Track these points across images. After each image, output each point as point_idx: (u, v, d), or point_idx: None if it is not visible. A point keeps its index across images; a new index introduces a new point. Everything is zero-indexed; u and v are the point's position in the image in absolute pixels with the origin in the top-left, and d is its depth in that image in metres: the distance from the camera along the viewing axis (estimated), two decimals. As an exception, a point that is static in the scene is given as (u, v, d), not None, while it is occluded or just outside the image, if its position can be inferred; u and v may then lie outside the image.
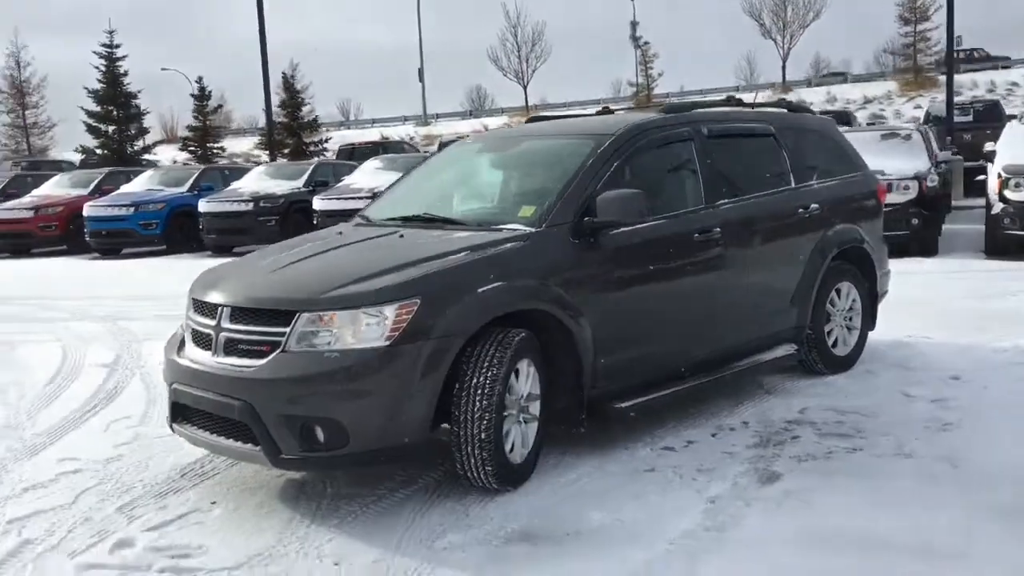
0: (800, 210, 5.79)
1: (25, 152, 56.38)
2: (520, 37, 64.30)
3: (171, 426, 4.47)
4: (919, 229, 12.11)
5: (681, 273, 5.02)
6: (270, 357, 3.96)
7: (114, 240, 17.56)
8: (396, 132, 53.43)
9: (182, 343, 4.51)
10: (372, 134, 50.51)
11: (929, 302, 8.69)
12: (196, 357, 4.29)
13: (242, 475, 4.60)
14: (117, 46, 32.95)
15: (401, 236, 4.72)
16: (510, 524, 3.90)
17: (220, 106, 39.48)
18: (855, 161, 6.51)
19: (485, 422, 4.02)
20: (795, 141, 6.01)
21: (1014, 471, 4.29)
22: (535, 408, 4.44)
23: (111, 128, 33.19)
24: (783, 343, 5.76)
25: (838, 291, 6.14)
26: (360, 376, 3.85)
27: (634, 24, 57.71)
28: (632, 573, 3.42)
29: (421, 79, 55.38)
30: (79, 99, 34.21)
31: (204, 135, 36.57)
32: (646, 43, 56.02)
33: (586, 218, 4.58)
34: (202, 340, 4.32)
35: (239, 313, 4.15)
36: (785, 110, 6.45)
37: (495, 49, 67.48)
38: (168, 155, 43.81)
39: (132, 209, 17.32)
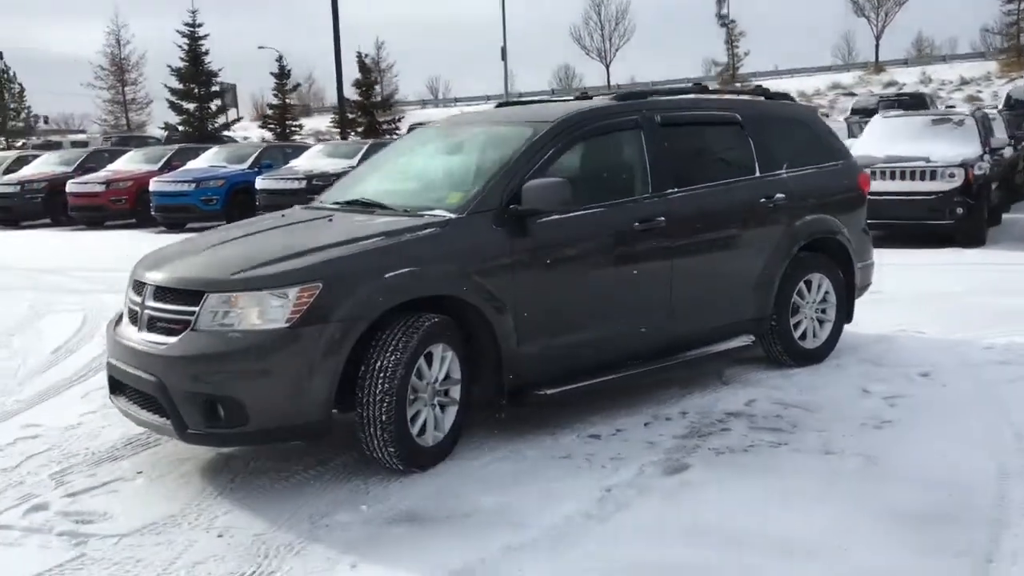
0: (763, 200, 5.70)
1: (124, 127, 58.60)
2: (603, 15, 63.83)
3: (110, 398, 4.70)
4: (963, 219, 11.67)
5: (617, 262, 5.02)
6: (181, 335, 4.13)
7: (177, 215, 18.16)
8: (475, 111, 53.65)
9: (120, 319, 4.73)
10: (453, 113, 50.88)
11: (946, 295, 8.45)
12: (126, 334, 4.49)
13: (179, 447, 4.79)
14: (199, 25, 34.04)
15: (330, 220, 4.84)
16: (401, 504, 4.01)
17: (298, 85, 40.32)
18: (835, 150, 6.36)
19: (386, 405, 4.12)
20: (764, 130, 5.91)
21: (928, 472, 4.19)
22: (455, 392, 4.52)
23: (192, 106, 34.33)
24: (743, 334, 5.71)
25: (808, 283, 6.03)
26: (260, 357, 3.99)
27: (720, 1, 56.51)
28: (486, 558, 3.48)
29: (504, 57, 55.13)
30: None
31: (283, 113, 37.52)
32: (732, 21, 54.87)
33: (512, 206, 4.62)
34: (133, 317, 4.53)
35: (160, 292, 4.34)
36: (761, 97, 6.34)
37: (578, 28, 67.16)
38: (256, 133, 45.04)
39: (193, 185, 17.88)
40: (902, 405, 5.19)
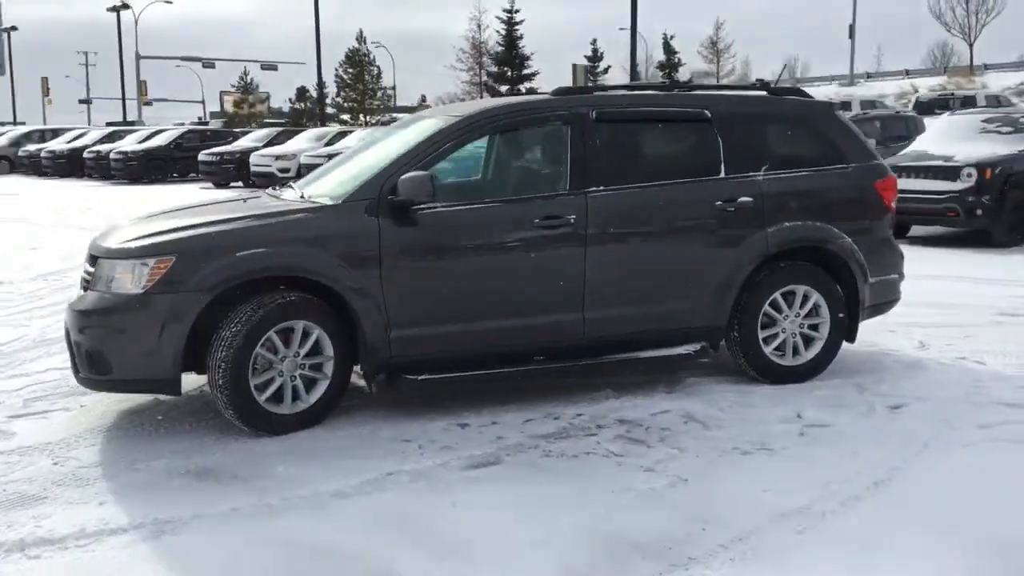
0: (720, 203, 5.36)
1: (478, 106, 62.89)
2: (968, -12, 57.99)
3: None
4: None
5: (508, 258, 5.03)
6: (84, 294, 4.89)
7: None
8: (818, 93, 51.09)
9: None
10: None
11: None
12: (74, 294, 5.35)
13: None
14: (517, 11, 35.81)
15: (244, 201, 5.36)
16: (212, 461, 4.46)
17: (609, 67, 41.06)
18: (845, 152, 5.73)
19: (222, 370, 4.59)
20: (741, 128, 5.51)
21: (708, 504, 3.89)
22: (328, 368, 4.88)
23: (505, 88, 36.30)
24: (691, 341, 5.44)
25: (789, 295, 5.56)
26: (118, 316, 4.63)
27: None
28: (200, 515, 3.83)
29: (851, 35, 52.18)
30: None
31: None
32: None
33: (390, 197, 4.86)
34: (84, 280, 5.37)
35: (88, 257, 5.12)
36: (764, 92, 5.88)
37: (938, 2, 61.54)
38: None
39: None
40: (810, 435, 4.74)
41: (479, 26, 64.45)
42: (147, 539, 3.64)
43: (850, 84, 52.95)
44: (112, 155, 29.91)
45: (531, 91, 37.79)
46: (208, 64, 67.48)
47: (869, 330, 6.72)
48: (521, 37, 35.95)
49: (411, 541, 3.60)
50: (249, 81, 62.05)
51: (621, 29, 61.45)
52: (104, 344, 4.68)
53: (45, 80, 73.87)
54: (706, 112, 5.51)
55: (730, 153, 5.45)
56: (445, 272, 4.97)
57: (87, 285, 4.95)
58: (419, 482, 4.19)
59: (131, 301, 4.61)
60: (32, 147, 35.01)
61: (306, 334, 4.79)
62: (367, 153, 5.65)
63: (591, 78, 38.78)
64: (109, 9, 58.10)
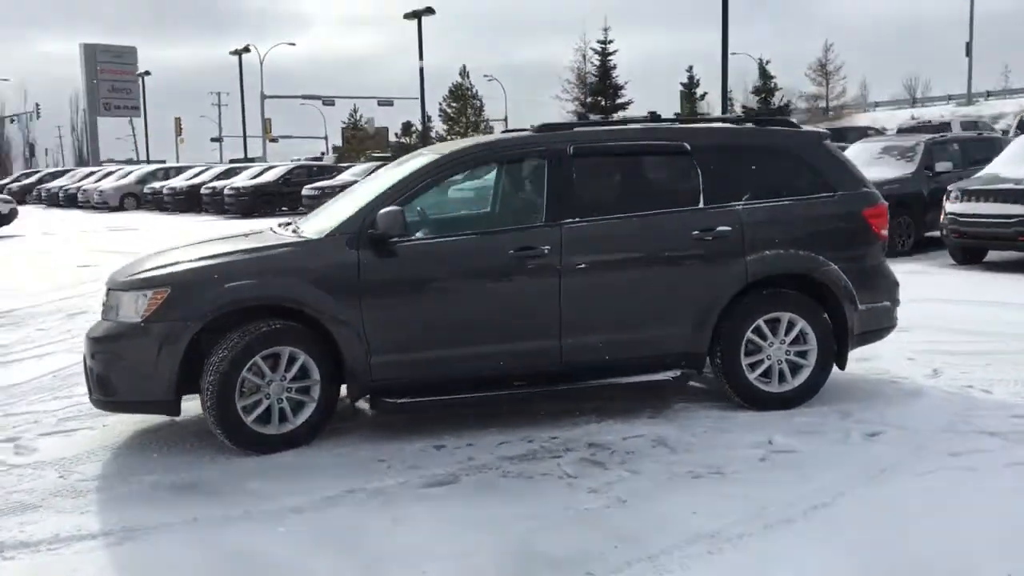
0: (697, 232, 5.48)
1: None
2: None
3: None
4: None
5: (484, 287, 5.28)
6: (99, 322, 5.38)
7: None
8: (931, 113, 49.56)
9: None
10: (900, 116, 47.60)
11: None
12: (99, 322, 5.84)
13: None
14: (610, 41, 36.14)
15: (246, 236, 5.77)
16: (196, 475, 4.84)
17: (706, 93, 40.80)
18: (831, 181, 5.75)
19: (209, 393, 4.98)
20: (721, 159, 5.62)
21: (635, 524, 4.03)
22: (315, 391, 5.21)
23: (598, 117, 36.63)
24: (671, 367, 5.56)
25: (774, 322, 5.62)
26: (122, 343, 5.08)
27: None
28: (170, 523, 4.18)
29: (968, 53, 50.36)
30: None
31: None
32: None
33: (370, 230, 5.18)
34: (109, 309, 5.86)
35: (106, 289, 5.61)
36: (750, 124, 5.96)
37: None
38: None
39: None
40: (771, 461, 4.81)
41: (583, 56, 65.17)
42: (112, 544, 4.01)
43: (967, 103, 51.04)
44: (226, 191, 31.46)
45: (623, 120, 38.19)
46: (328, 102, 70.09)
47: (885, 357, 6.72)
48: (615, 67, 36.40)
49: (342, 553, 3.86)
50: (359, 117, 64.09)
51: (733, 54, 61.25)
52: (110, 368, 5.14)
53: (178, 120, 78.07)
54: (685, 145, 5.64)
55: (710, 184, 5.57)
56: (423, 301, 5.25)
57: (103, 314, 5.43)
58: (375, 499, 4.45)
59: (132, 329, 5.06)
60: (156, 184, 37.09)
61: (292, 359, 5.13)
62: (361, 189, 5.99)
63: (689, 104, 38.84)
64: (232, 52, 61.12)
